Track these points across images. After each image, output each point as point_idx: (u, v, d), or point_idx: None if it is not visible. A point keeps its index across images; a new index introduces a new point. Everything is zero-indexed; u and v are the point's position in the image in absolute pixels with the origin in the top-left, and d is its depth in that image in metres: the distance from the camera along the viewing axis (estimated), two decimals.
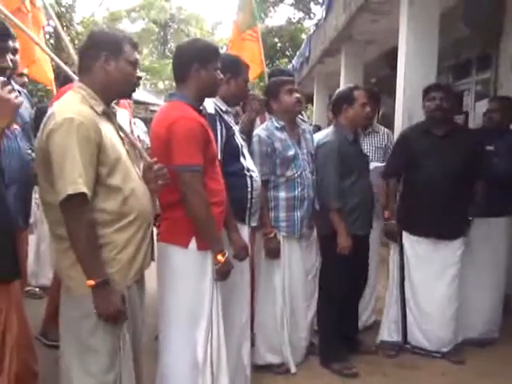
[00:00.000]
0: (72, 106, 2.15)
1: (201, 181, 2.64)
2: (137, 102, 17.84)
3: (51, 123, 2.08)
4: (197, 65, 2.74)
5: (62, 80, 4.11)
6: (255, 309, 3.63)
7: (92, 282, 2.10)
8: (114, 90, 2.31)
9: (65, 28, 13.81)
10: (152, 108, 19.26)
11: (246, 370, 3.21)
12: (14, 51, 2.96)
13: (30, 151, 3.07)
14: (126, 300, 2.24)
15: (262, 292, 3.64)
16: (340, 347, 3.80)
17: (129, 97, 2.68)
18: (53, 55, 2.88)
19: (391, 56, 7.62)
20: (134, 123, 4.91)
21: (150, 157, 2.57)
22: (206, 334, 2.72)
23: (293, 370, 3.64)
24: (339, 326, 3.76)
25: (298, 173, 3.59)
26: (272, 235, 3.53)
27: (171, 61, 2.91)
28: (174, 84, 2.91)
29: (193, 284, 2.71)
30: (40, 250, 5.27)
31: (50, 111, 2.16)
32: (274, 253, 3.55)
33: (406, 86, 5.23)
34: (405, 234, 4.00)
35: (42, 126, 2.16)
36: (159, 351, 2.82)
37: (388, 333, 4.08)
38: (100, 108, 2.23)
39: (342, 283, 3.68)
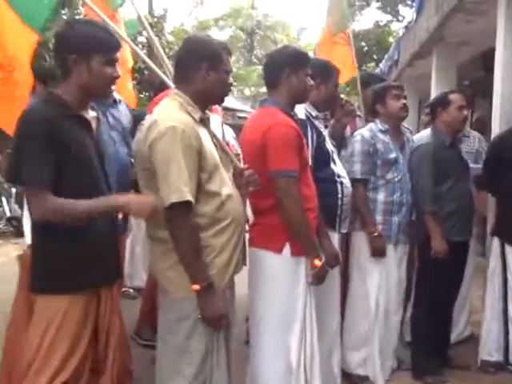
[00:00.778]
0: (172, 113, 2.21)
1: (297, 186, 2.64)
2: (224, 109, 18.10)
3: (154, 131, 2.13)
4: (288, 71, 2.76)
5: (158, 87, 4.24)
6: (344, 316, 3.56)
7: (197, 287, 2.14)
8: (210, 97, 2.37)
9: (156, 38, 14.26)
10: (239, 114, 19.49)
11: (337, 379, 3.17)
12: None
13: (128, 156, 3.18)
14: (226, 303, 2.27)
15: (354, 297, 3.58)
16: (434, 359, 3.66)
17: (221, 103, 2.74)
18: (150, 62, 2.98)
19: (486, 57, 7.30)
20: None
21: (240, 162, 2.60)
22: (299, 339, 2.70)
23: (380, 383, 3.52)
24: (435, 337, 3.63)
25: (399, 177, 3.53)
26: (376, 234, 3.45)
27: (257, 67, 2.96)
28: (260, 90, 2.95)
29: (286, 289, 2.71)
30: (134, 253, 5.46)
31: (150, 119, 2.22)
32: (379, 251, 3.47)
33: (503, 88, 5.00)
34: (507, 247, 3.76)
35: (143, 133, 2.22)
36: (251, 356, 2.83)
37: (488, 351, 3.83)
38: (197, 115, 2.27)
39: (441, 290, 3.56)
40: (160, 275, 2.31)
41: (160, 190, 2.13)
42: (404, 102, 3.61)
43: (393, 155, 3.53)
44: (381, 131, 3.58)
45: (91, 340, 2.19)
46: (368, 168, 3.50)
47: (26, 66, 2.87)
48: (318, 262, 2.67)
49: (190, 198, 2.11)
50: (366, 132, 3.59)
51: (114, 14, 4.19)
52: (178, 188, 2.09)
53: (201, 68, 2.27)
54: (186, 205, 2.11)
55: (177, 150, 2.10)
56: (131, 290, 5.27)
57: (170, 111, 2.23)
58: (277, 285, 2.71)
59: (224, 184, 2.29)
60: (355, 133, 3.68)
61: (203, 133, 2.27)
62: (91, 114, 2.25)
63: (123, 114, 3.47)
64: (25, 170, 2.00)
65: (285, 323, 2.70)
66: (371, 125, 3.67)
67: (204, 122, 2.34)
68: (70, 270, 2.08)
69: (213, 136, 2.40)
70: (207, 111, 2.46)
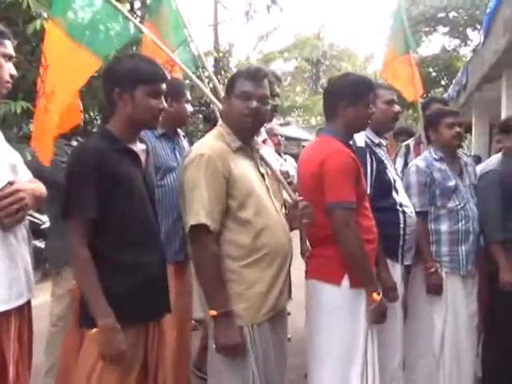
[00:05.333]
0: (208, 142, 2.30)
1: (354, 218, 2.57)
2: (289, 138, 18.23)
3: (186, 160, 2.26)
4: (345, 103, 2.70)
5: (214, 121, 4.28)
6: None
7: (214, 313, 2.14)
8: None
9: (222, 71, 14.61)
10: (304, 144, 19.56)
11: None
12: None
13: None
14: (245, 336, 2.20)
15: (415, 333, 3.36)
16: None
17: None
18: (212, 96, 3.01)
19: None
20: (285, 160, 4.96)
21: (297, 193, 2.58)
22: (360, 374, 2.59)
23: None
24: (508, 375, 3.36)
25: (461, 204, 3.32)
26: (433, 270, 3.27)
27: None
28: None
29: (346, 322, 2.61)
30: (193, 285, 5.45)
31: (190, 148, 2.36)
32: (435, 289, 3.29)
33: None
34: None
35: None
36: None
37: None
38: (235, 144, 2.30)
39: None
40: (204, 305, 2.30)
41: (185, 214, 2.21)
42: (458, 130, 3.38)
43: (452, 183, 3.34)
44: (436, 160, 3.40)
45: (140, 375, 2.13)
46: (426, 199, 3.34)
47: (70, 92, 2.75)
48: (376, 296, 2.56)
49: (205, 221, 2.12)
50: (420, 162, 3.43)
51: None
52: (196, 212, 2.13)
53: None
54: (204, 228, 2.13)
55: (201, 175, 2.16)
56: (192, 322, 5.24)
57: (206, 140, 2.34)
58: (336, 317, 2.62)
59: (263, 213, 2.26)
60: (410, 163, 3.56)
61: (241, 161, 2.29)
62: (140, 147, 2.25)
63: (185, 149, 3.48)
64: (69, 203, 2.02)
65: (345, 357, 2.60)
66: (425, 153, 3.53)
67: (244, 150, 2.35)
68: (117, 306, 2.02)
69: (259, 166, 2.41)
70: (259, 143, 2.50)
